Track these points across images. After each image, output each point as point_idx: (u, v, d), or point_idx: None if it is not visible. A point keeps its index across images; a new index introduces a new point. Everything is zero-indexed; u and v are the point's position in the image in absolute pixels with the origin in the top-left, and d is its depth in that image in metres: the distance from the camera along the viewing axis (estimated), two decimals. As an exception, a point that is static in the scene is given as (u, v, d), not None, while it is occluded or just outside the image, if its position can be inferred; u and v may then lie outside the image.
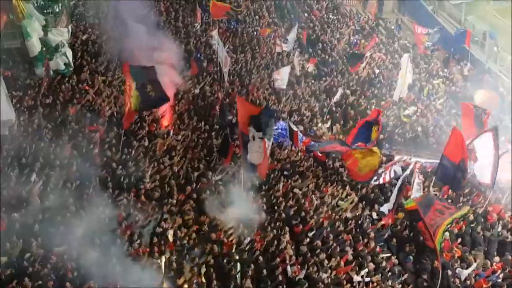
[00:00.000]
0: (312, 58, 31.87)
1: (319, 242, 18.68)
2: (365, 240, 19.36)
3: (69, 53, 23.07)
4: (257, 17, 36.17)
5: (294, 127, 23.48)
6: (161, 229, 17.63)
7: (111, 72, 24.98)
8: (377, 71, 32.18)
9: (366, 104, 28.32)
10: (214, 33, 28.93)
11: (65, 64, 22.51)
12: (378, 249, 19.31)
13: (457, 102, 29.19)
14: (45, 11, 22.01)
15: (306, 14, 38.38)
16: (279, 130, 23.57)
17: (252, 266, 17.43)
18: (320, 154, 22.95)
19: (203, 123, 23.57)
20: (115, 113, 22.18)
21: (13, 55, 22.60)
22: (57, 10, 22.98)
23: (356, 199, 21.24)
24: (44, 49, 21.60)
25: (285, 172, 21.80)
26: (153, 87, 19.81)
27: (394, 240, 20.03)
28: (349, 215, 20.46)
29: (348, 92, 29.09)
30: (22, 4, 20.24)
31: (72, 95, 22.37)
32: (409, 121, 27.70)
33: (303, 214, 19.71)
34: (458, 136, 20.92)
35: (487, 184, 21.69)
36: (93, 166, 19.03)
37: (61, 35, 22.68)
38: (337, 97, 27.65)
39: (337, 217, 20.21)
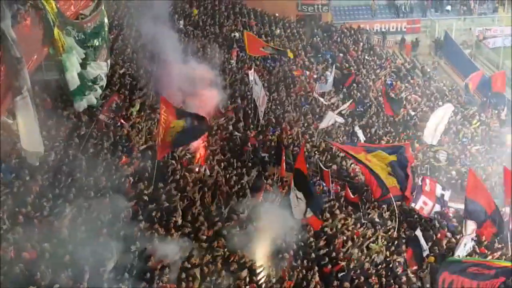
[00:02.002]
0: (350, 104, 31.52)
1: (348, 284, 18.42)
2: (396, 286, 19.02)
3: (103, 86, 23.34)
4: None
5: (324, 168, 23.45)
6: (189, 265, 17.55)
7: (146, 106, 25.24)
8: (412, 113, 32.03)
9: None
10: (251, 72, 29.17)
11: (96, 97, 22.74)
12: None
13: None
14: (85, 44, 22.32)
15: (341, 55, 38.54)
16: None
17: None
18: (352, 196, 22.74)
19: (235, 159, 23.60)
20: (149, 147, 22.37)
21: (52, 86, 22.97)
22: (97, 44, 23.27)
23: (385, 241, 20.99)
24: (81, 84, 21.81)
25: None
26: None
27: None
28: (380, 258, 20.17)
29: (380, 133, 28.97)
30: (63, 38, 20.58)
31: (107, 128, 22.61)
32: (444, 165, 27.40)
33: (333, 254, 19.50)
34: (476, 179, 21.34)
35: None
36: (125, 199, 19.12)
37: (100, 68, 22.98)
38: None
39: (367, 259, 19.94)
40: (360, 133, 28.24)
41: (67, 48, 20.76)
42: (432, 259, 20.27)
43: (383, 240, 20.94)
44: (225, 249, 18.60)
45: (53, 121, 21.48)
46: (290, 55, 34.71)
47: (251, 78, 28.95)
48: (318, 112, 30.02)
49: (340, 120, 28.32)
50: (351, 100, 31.35)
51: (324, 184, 23.27)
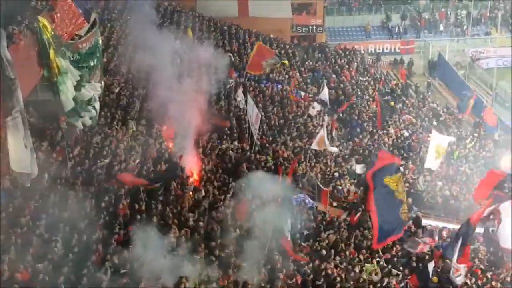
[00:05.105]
0: (334, 123, 31.39)
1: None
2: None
3: (97, 107, 23.32)
4: (287, 76, 36.56)
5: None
6: (183, 286, 17.46)
7: (140, 126, 25.25)
8: (406, 133, 32.11)
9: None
10: (239, 91, 29.46)
11: (90, 118, 22.69)
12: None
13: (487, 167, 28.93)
14: (80, 65, 22.32)
15: (334, 76, 38.70)
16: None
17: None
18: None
19: (230, 179, 23.56)
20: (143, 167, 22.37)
21: (46, 106, 22.94)
22: (92, 64, 23.29)
23: (382, 262, 20.93)
24: (76, 106, 21.73)
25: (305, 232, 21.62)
26: None
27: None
28: (375, 278, 20.11)
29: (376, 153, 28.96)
30: (58, 61, 20.53)
31: (101, 148, 22.59)
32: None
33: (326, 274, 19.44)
34: None
35: (507, 250, 21.21)
36: (118, 220, 19.06)
37: (94, 89, 22.97)
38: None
39: (362, 280, 19.87)
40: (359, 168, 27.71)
41: (62, 70, 20.72)
42: (435, 279, 20.24)
43: (378, 260, 20.92)
44: (220, 269, 18.54)
45: (47, 142, 21.45)
46: (286, 62, 35.13)
47: (238, 98, 29.17)
48: (311, 131, 30.02)
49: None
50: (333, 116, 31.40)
51: (308, 201, 23.33)
